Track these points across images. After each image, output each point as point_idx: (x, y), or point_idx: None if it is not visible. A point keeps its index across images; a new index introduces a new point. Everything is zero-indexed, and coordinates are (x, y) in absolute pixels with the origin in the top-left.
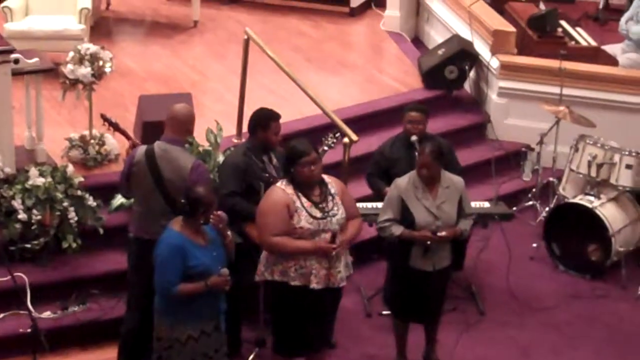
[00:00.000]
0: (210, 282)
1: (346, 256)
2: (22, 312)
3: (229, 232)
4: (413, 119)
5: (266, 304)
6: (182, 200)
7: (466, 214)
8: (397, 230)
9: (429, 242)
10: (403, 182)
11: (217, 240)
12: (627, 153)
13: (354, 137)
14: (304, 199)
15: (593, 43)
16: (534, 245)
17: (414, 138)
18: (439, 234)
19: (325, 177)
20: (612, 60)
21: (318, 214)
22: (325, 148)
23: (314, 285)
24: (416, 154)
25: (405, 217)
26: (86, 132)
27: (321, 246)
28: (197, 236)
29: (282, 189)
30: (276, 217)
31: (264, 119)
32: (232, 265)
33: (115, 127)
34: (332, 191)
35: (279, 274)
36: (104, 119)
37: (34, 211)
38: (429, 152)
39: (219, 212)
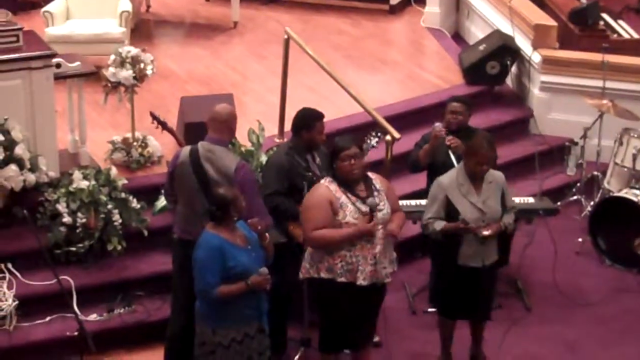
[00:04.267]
0: (251, 282)
1: (391, 252)
2: (68, 314)
3: (267, 234)
4: (454, 109)
5: (311, 303)
6: (213, 209)
7: (510, 207)
8: (439, 225)
9: (486, 234)
10: (446, 180)
11: (256, 242)
12: None
13: (396, 134)
14: (349, 194)
15: (636, 36)
16: (580, 240)
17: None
18: (484, 232)
19: (370, 173)
20: None
21: (365, 209)
22: (368, 147)
23: (360, 281)
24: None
25: (450, 214)
26: (129, 135)
27: (365, 227)
28: (234, 237)
29: (326, 186)
30: (318, 211)
31: (309, 119)
32: (275, 264)
33: (164, 126)
34: (377, 186)
35: (325, 271)
36: (153, 117)
37: (79, 214)
38: (490, 147)
39: (254, 220)
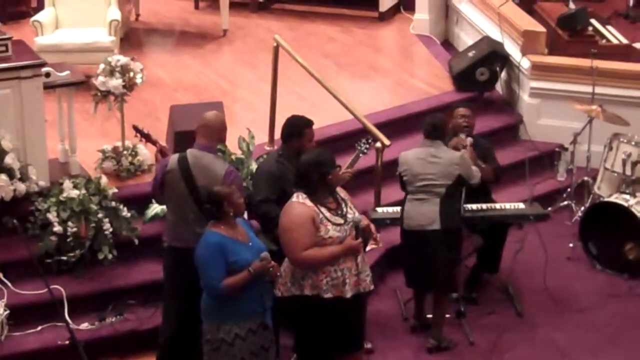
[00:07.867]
0: (253, 269)
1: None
2: (59, 324)
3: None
4: (464, 113)
5: (284, 322)
6: (207, 206)
7: None
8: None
9: None
10: None
11: (258, 241)
12: None
13: (387, 141)
14: (323, 209)
15: (624, 41)
16: (571, 245)
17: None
18: None
19: None
20: None
21: (340, 221)
22: (359, 154)
23: (348, 294)
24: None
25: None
26: (119, 144)
27: (351, 245)
28: (235, 233)
29: (301, 203)
30: (304, 231)
31: (298, 127)
32: None
33: (147, 138)
34: (342, 195)
35: (309, 288)
36: (136, 130)
37: (69, 223)
38: None
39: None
